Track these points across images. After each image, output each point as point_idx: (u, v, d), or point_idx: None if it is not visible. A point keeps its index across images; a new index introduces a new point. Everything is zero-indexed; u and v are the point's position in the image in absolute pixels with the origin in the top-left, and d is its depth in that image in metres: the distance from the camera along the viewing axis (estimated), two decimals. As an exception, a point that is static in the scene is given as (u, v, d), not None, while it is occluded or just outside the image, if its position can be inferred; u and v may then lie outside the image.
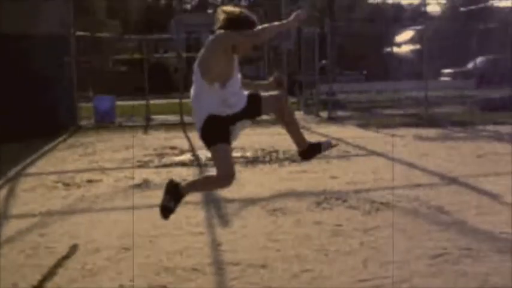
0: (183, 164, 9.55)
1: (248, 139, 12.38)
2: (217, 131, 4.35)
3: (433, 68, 23.95)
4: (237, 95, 4.38)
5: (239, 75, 4.42)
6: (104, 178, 8.39)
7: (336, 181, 7.73)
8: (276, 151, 10.46)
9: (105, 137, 13.65)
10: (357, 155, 10.00)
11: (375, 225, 5.54)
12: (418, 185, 7.30)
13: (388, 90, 23.75)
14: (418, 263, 4.51)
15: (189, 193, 4.66)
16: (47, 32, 14.97)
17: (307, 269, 4.43)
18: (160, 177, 8.38)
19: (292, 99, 20.74)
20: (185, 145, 11.78)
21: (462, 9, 33.54)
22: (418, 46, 25.86)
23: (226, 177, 4.38)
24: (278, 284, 4.21)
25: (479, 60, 25.67)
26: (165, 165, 9.41)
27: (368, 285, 4.13)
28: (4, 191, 7.84)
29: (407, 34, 34.30)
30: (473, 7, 33.37)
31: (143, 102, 18.55)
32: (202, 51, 4.35)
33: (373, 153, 10.12)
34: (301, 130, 4.78)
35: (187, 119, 16.95)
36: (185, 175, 8.47)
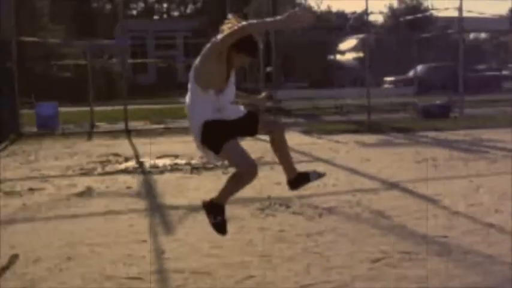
0: (127, 171, 9.47)
1: (193, 146, 12.37)
2: (219, 133, 4.30)
3: (375, 75, 24.46)
4: (232, 105, 4.40)
5: (234, 87, 4.42)
6: (46, 186, 8.25)
7: (280, 187, 7.77)
8: (221, 158, 10.47)
9: (47, 144, 13.40)
10: (301, 162, 10.10)
11: (318, 230, 5.63)
12: (360, 191, 7.44)
13: (332, 97, 24.07)
14: (359, 267, 4.60)
15: (226, 200, 4.56)
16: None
17: (251, 275, 4.46)
18: (103, 184, 8.29)
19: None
20: (129, 152, 11.68)
21: (403, 18, 34.34)
22: (360, 54, 26.32)
23: (249, 170, 4.31)
24: (222, 290, 4.24)
25: (419, 68, 26.31)
26: (109, 173, 9.32)
27: (310, 290, 4.20)
28: None
29: (350, 42, 34.91)
30: (413, 17, 34.24)
31: (87, 108, 18.29)
32: (198, 58, 4.33)
33: (316, 159, 10.25)
34: (292, 159, 4.77)
35: (131, 125, 16.83)
36: (129, 183, 8.42)
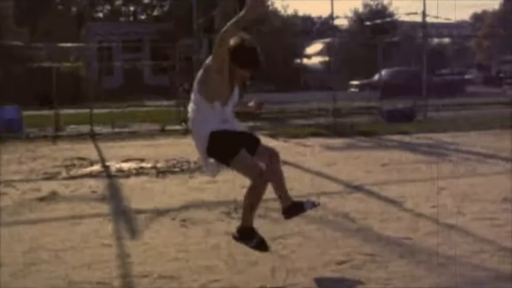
0: (92, 175, 9.39)
1: (159, 150, 12.33)
2: (229, 143, 4.39)
3: (341, 79, 24.65)
4: (234, 118, 4.53)
5: (237, 98, 4.54)
6: (9, 191, 8.13)
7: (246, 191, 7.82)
8: (187, 162, 10.46)
9: (11, 148, 13.21)
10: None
11: (282, 233, 5.66)
12: (325, 193, 7.50)
13: (298, 100, 24.18)
14: (324, 269, 4.65)
15: (251, 219, 4.64)
16: None
17: (216, 279, 4.47)
18: (68, 189, 8.22)
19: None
20: (95, 156, 11.59)
21: (368, 23, 34.68)
22: (326, 58, 26.54)
23: (259, 179, 4.41)
24: (187, 294, 4.24)
25: (384, 72, 26.59)
26: (74, 177, 9.23)
27: (275, 293, 4.23)
28: None
29: (316, 46, 35.17)
30: (378, 21, 34.61)
31: (52, 112, 18.07)
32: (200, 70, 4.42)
33: (283, 163, 10.27)
34: (287, 188, 4.81)
35: (97, 129, 16.69)
36: (94, 187, 8.35)
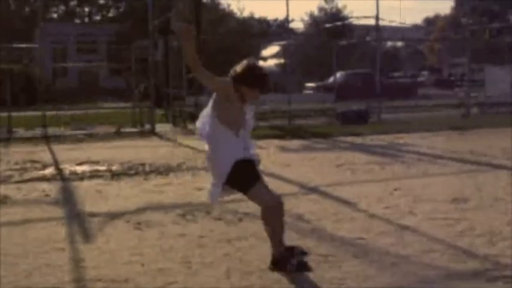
0: (45, 178, 9.25)
1: (114, 152, 12.22)
2: (250, 173, 4.53)
3: (296, 81, 24.83)
4: (251, 141, 4.69)
5: (252, 122, 4.68)
6: (-42, 195, 7.95)
7: (201, 193, 7.81)
8: (143, 164, 10.40)
9: (-40, 152, 12.91)
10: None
11: (238, 235, 5.68)
12: (280, 195, 7.51)
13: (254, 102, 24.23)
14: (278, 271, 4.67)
15: (281, 243, 4.65)
16: None
17: (171, 281, 4.46)
18: (20, 193, 8.08)
19: (160, 112, 20.71)
20: (48, 159, 11.41)
21: (323, 26, 35.03)
22: (282, 60, 26.68)
23: (276, 205, 4.58)
24: (142, 297, 4.22)
25: (339, 74, 26.88)
26: (26, 180, 9.08)
27: (230, 295, 4.24)
28: None
29: (272, 49, 35.32)
30: (333, 24, 34.98)
31: (5, 114, 17.70)
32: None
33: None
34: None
35: (51, 131, 16.45)
36: (48, 190, 8.23)
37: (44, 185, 8.65)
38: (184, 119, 18.96)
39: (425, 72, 51.02)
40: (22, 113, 20.28)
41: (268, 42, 37.69)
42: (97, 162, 10.60)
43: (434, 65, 57.65)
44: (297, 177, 8.88)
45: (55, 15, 60.26)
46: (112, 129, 17.13)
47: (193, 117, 18.50)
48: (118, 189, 8.34)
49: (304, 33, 48.14)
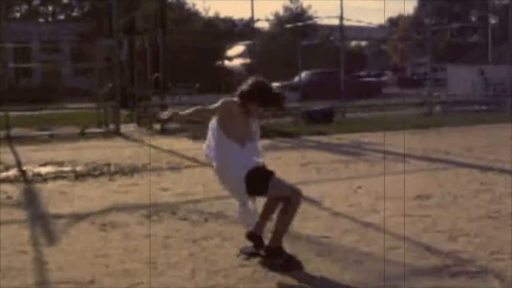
0: (7, 180, 9.11)
1: (79, 153, 12.10)
2: (263, 174, 4.74)
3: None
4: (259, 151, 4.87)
5: (258, 132, 4.92)
6: None
7: (167, 193, 7.82)
8: (108, 164, 10.32)
9: None
10: (189, 167, 10.16)
11: (203, 235, 5.69)
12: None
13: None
14: (243, 270, 4.70)
15: (280, 240, 4.77)
16: None
17: (136, 282, 4.45)
18: (-18, 195, 7.95)
19: (125, 112, 20.55)
20: (11, 160, 11.24)
21: (288, 26, 35.18)
22: (248, 60, 26.72)
23: (297, 194, 4.73)
24: (106, 299, 4.20)
25: (303, 74, 27.04)
26: (-12, 183, 8.93)
27: (195, 295, 4.25)
28: None
29: (238, 48, 35.27)
30: (298, 24, 35.16)
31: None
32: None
33: (204, 164, 10.30)
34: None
35: (14, 132, 16.19)
36: (10, 192, 8.11)
37: (7, 187, 8.51)
38: (150, 119, 18.84)
39: (388, 72, 51.57)
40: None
41: (234, 42, 37.63)
42: (61, 163, 10.48)
43: (397, 64, 58.31)
44: (262, 177, 8.89)
45: (18, 15, 59.28)
46: (77, 130, 16.94)
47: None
48: (82, 190, 8.26)
49: (269, 32, 48.30)
